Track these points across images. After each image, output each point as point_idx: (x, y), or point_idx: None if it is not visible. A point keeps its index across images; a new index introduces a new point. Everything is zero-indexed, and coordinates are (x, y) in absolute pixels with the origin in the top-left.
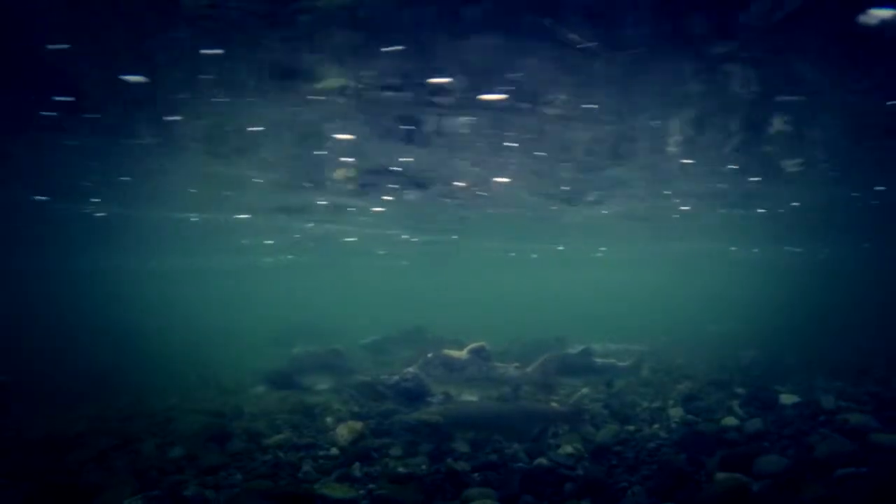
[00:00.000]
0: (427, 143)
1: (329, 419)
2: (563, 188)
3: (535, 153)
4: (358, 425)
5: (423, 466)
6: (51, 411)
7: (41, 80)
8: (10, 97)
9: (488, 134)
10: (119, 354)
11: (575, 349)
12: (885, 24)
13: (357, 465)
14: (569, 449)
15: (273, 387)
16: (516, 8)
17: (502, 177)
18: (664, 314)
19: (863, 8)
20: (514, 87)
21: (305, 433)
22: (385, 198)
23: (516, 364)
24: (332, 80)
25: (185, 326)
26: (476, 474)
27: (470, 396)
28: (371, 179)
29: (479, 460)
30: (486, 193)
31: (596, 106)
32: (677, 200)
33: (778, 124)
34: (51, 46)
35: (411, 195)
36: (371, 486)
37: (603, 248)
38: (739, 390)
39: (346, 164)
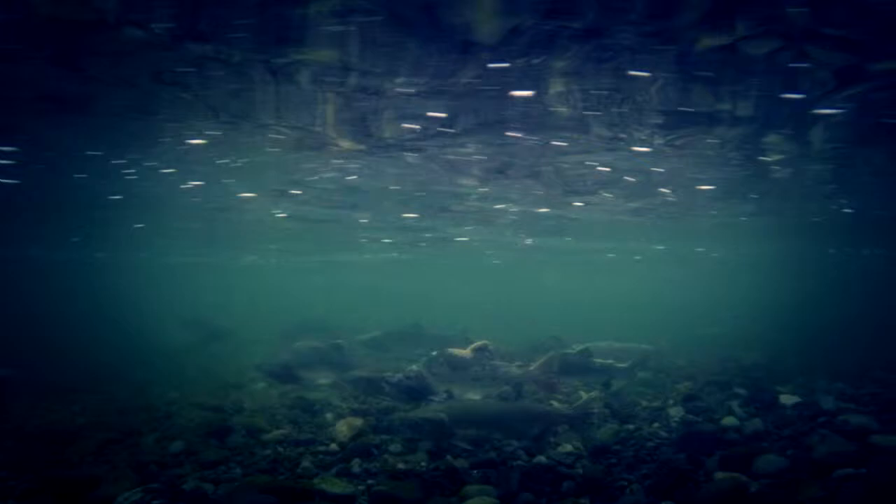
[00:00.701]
0: None
1: (329, 415)
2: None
3: None
4: (358, 421)
5: (423, 463)
6: (51, 404)
7: None
8: None
9: None
10: (135, 347)
11: (574, 349)
12: None
13: (356, 461)
14: (568, 447)
15: (274, 381)
16: None
17: None
18: (663, 315)
19: None
20: None
21: (305, 429)
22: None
23: (519, 363)
24: None
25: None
26: (475, 471)
27: (473, 395)
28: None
29: (479, 458)
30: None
31: None
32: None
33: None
34: None
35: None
36: (370, 481)
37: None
38: (740, 391)
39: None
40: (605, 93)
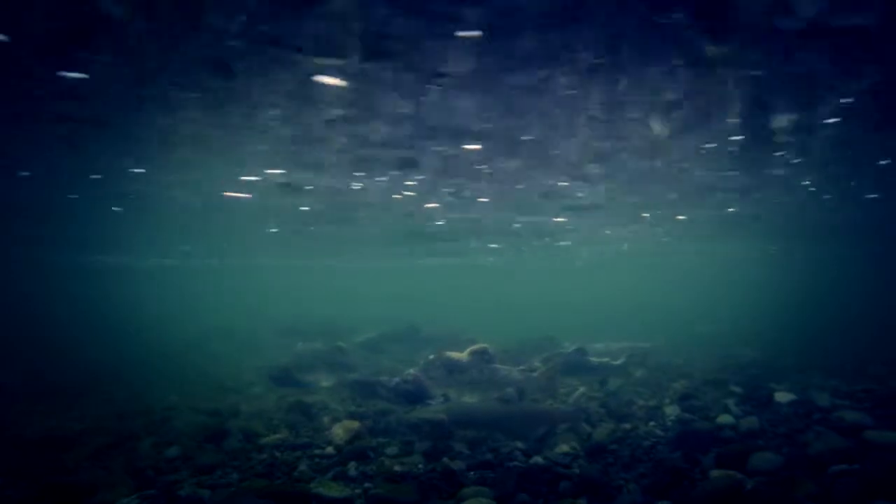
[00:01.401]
0: None
1: (325, 418)
2: None
3: None
4: (354, 424)
5: (419, 465)
6: (48, 410)
7: None
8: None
9: None
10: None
11: (567, 348)
12: None
13: (353, 464)
14: (565, 447)
15: (275, 384)
16: None
17: None
18: (663, 315)
19: None
20: None
21: (302, 432)
22: None
23: (521, 367)
24: None
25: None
26: (472, 473)
27: (470, 399)
28: None
29: (475, 459)
30: None
31: None
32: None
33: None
34: None
35: None
36: (367, 485)
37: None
38: (735, 389)
39: None
40: None
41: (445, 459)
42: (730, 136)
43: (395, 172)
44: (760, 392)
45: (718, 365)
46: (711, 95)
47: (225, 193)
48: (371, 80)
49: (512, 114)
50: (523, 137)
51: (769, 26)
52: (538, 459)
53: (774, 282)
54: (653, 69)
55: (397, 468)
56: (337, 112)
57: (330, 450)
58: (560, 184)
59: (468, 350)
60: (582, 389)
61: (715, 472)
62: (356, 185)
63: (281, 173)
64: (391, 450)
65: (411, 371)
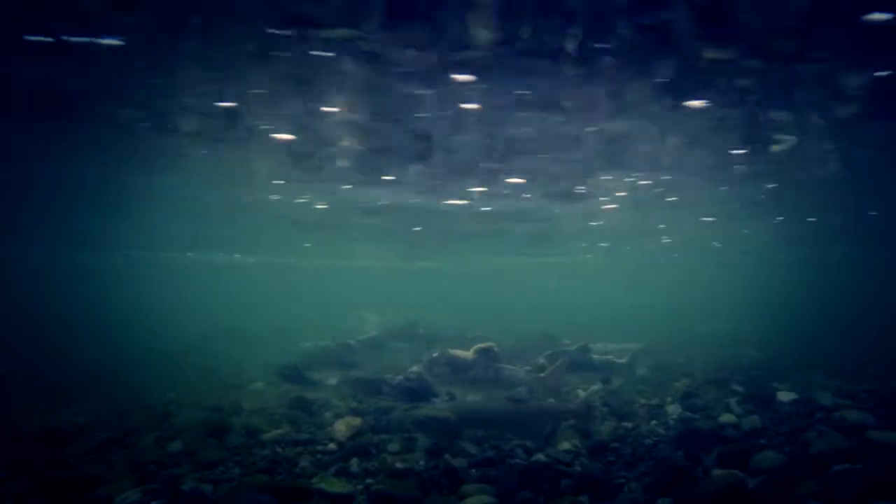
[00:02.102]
0: None
1: (327, 415)
2: None
3: None
4: (356, 421)
5: (421, 462)
6: (49, 404)
7: None
8: None
9: None
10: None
11: (568, 346)
12: None
13: (355, 460)
14: (566, 445)
15: (285, 381)
16: None
17: None
18: (662, 315)
19: None
20: None
21: (304, 428)
22: None
23: (527, 367)
24: None
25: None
26: (473, 470)
27: (475, 398)
28: None
29: (477, 456)
30: None
31: None
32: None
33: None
34: None
35: None
36: (368, 481)
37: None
38: (737, 388)
39: None
40: None
41: (447, 456)
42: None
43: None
44: (762, 391)
45: (720, 364)
46: None
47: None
48: None
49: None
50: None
51: None
52: (540, 457)
53: (775, 282)
54: None
55: (399, 465)
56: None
57: (332, 446)
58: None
59: (473, 348)
60: (595, 387)
61: (717, 471)
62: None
63: None
64: (393, 446)
65: (415, 369)
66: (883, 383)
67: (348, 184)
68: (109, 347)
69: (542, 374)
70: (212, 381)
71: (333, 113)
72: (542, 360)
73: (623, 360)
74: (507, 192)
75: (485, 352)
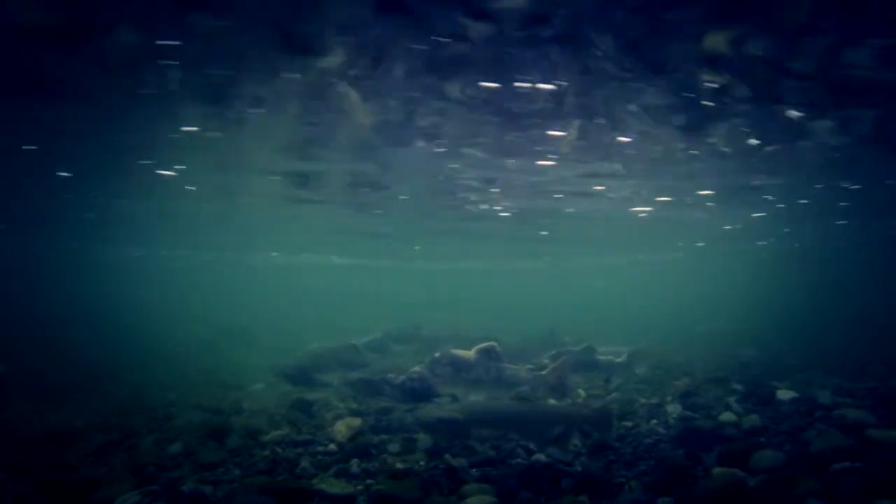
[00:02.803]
0: None
1: (328, 416)
2: None
3: None
4: (356, 422)
5: (421, 462)
6: (49, 406)
7: None
8: None
9: None
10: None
11: (569, 345)
12: None
13: (355, 461)
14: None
15: (290, 382)
16: None
17: None
18: (661, 316)
19: None
20: None
21: (304, 429)
22: None
23: (529, 366)
24: None
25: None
26: (474, 470)
27: (477, 397)
28: None
29: (477, 456)
30: None
31: None
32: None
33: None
34: None
35: None
36: (369, 481)
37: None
38: (737, 387)
39: None
40: None
41: (447, 456)
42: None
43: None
44: (762, 390)
45: (720, 363)
46: None
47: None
48: None
49: None
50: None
51: None
52: (540, 457)
53: (775, 282)
54: None
55: (399, 465)
56: None
57: (332, 447)
58: None
59: (475, 348)
60: (615, 394)
61: (717, 470)
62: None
63: None
64: (393, 447)
65: (417, 369)
66: (883, 382)
67: None
68: (111, 348)
69: (544, 373)
70: (212, 382)
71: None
72: (545, 360)
73: (624, 360)
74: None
75: (486, 352)
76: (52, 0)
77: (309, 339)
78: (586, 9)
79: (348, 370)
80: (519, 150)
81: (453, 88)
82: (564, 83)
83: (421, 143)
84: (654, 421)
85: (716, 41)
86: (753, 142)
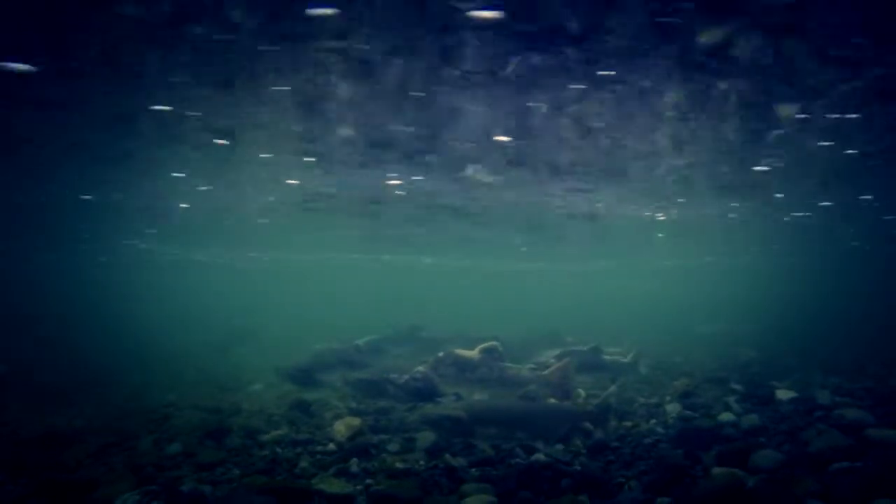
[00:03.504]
0: None
1: (327, 415)
2: None
3: None
4: (356, 421)
5: (421, 462)
6: (49, 406)
7: None
8: None
9: None
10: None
11: (570, 345)
12: None
13: (354, 460)
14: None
15: (294, 383)
16: None
17: None
18: (661, 316)
19: None
20: None
21: (303, 429)
22: None
23: (531, 366)
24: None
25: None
26: (473, 470)
27: (480, 397)
28: None
29: (477, 456)
30: None
31: None
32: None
33: None
34: None
35: None
36: (368, 481)
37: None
38: (736, 387)
39: None
40: None
41: (447, 456)
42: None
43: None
44: (761, 390)
45: (719, 363)
46: None
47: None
48: None
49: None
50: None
51: None
52: (540, 456)
53: (774, 283)
54: None
55: (399, 465)
56: None
57: (331, 446)
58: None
59: (478, 348)
60: (613, 388)
61: (716, 470)
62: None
63: None
64: (393, 446)
65: (420, 368)
66: (882, 381)
67: None
68: (113, 349)
69: (546, 373)
70: (211, 382)
71: None
72: (551, 360)
73: (630, 360)
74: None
75: (489, 351)
76: None
77: (309, 340)
78: None
79: (350, 370)
80: None
81: None
82: None
83: None
84: (654, 421)
85: None
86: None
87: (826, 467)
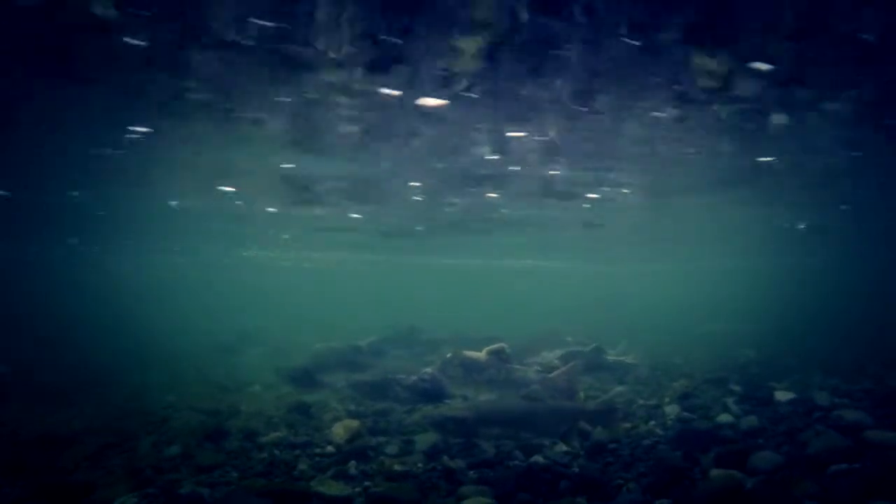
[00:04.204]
0: None
1: (326, 417)
2: None
3: None
4: (354, 423)
5: (419, 464)
6: (48, 408)
7: None
8: None
9: None
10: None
11: (586, 347)
12: None
13: (353, 463)
14: (564, 447)
15: (294, 384)
16: None
17: None
18: (660, 316)
19: None
20: None
21: (301, 431)
22: None
23: (537, 367)
24: None
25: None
26: (472, 472)
27: (487, 398)
28: None
29: (475, 458)
30: None
31: None
32: None
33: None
34: None
35: None
36: (367, 483)
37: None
38: (735, 388)
39: None
40: None
41: (445, 458)
42: None
43: None
44: (760, 391)
45: (718, 364)
46: None
47: None
48: None
49: None
50: None
51: None
52: (538, 458)
53: (774, 283)
54: None
55: (397, 467)
56: None
57: (330, 449)
58: None
59: (486, 349)
60: (619, 388)
61: (715, 472)
62: None
63: None
64: (391, 448)
65: (428, 370)
66: (880, 383)
67: None
68: (114, 350)
69: (552, 375)
70: (211, 383)
71: None
72: (554, 361)
73: (634, 361)
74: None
75: (496, 353)
76: None
77: (310, 341)
78: None
79: (351, 372)
80: None
81: None
82: None
83: None
84: (653, 422)
85: None
86: None
87: (825, 469)
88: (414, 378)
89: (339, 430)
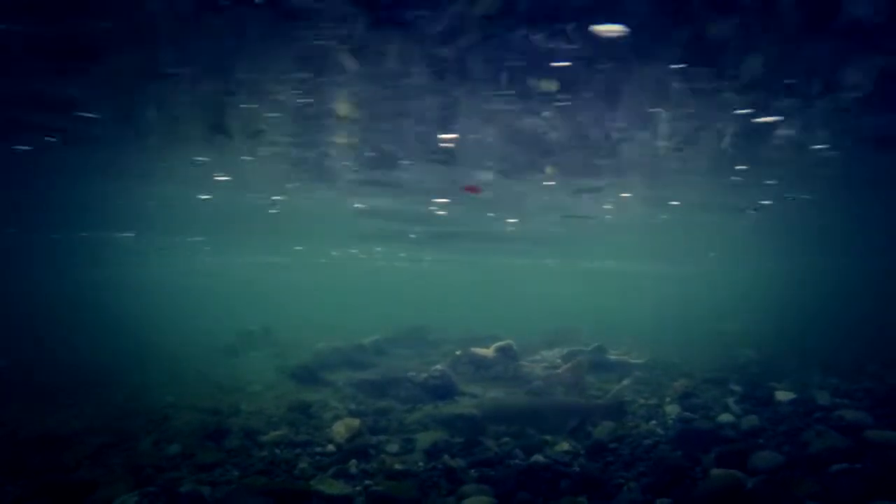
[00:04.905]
0: None
1: (326, 416)
2: None
3: None
4: (355, 422)
5: (420, 463)
6: (48, 407)
7: None
8: None
9: None
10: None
11: (585, 347)
12: None
13: (353, 461)
14: (565, 446)
15: (298, 382)
16: None
17: None
18: (660, 316)
19: None
20: None
21: (302, 430)
22: None
23: (544, 364)
24: None
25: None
26: (472, 471)
27: (496, 394)
28: None
29: (476, 457)
30: None
31: None
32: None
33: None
34: None
35: None
36: (367, 482)
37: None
38: (736, 387)
39: None
40: None
41: (446, 457)
42: None
43: None
44: (761, 391)
45: (718, 364)
46: None
47: None
48: None
49: None
50: None
51: None
52: (539, 458)
53: (774, 284)
54: None
55: (398, 466)
56: None
57: (330, 447)
58: None
59: (493, 347)
60: (625, 382)
61: (715, 471)
62: None
63: None
64: (392, 447)
65: (438, 367)
66: (881, 382)
67: None
68: (116, 350)
69: (559, 371)
70: (211, 383)
71: None
72: (557, 360)
73: (639, 361)
74: None
75: (504, 350)
76: None
77: (314, 340)
78: None
79: (354, 370)
80: None
81: None
82: None
83: None
84: (653, 422)
85: None
86: None
87: (825, 468)
88: (424, 375)
89: (340, 429)
